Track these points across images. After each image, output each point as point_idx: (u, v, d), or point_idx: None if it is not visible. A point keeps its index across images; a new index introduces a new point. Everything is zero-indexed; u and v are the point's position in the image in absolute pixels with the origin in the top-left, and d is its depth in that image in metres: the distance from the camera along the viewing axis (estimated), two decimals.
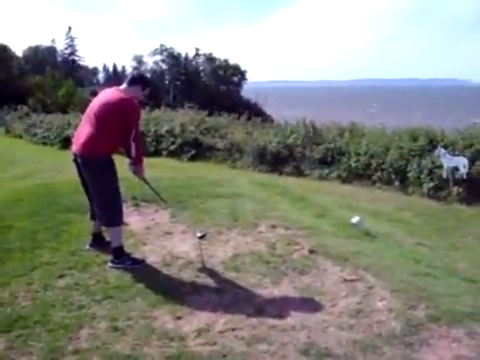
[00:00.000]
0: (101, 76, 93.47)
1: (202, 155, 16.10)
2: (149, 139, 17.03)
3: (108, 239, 5.12)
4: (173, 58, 59.13)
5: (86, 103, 5.30)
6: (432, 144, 11.71)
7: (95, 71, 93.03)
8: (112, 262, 4.84)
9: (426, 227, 8.19)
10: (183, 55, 60.05)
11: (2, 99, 29.98)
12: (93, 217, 5.19)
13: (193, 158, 16.02)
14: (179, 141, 16.70)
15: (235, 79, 59.35)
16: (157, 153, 16.55)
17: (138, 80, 5.00)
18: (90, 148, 4.70)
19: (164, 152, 16.71)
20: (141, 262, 4.95)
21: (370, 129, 14.49)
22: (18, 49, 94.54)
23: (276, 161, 14.17)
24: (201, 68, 60.36)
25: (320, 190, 10.61)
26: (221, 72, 58.31)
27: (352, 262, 4.97)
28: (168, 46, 59.83)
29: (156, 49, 59.62)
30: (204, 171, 12.89)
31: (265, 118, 28.23)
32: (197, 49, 61.06)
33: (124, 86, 4.89)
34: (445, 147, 11.15)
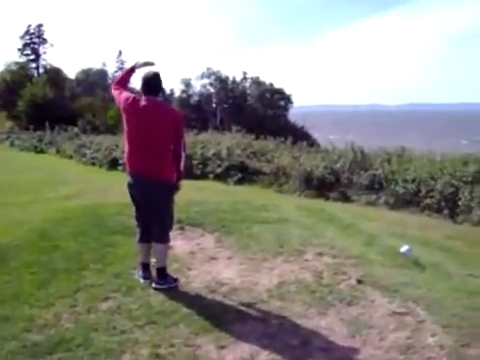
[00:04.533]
0: None
1: (248, 179, 16.03)
2: (196, 162, 17.12)
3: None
4: (220, 81, 59.58)
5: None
6: None
7: None
8: (158, 283, 4.81)
9: (478, 258, 7.88)
10: (230, 78, 60.44)
11: (54, 120, 30.77)
12: (145, 239, 4.97)
13: (239, 182, 15.96)
14: (225, 164, 16.69)
15: (282, 103, 59.32)
16: (204, 176, 16.60)
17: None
18: (166, 173, 4.77)
19: (210, 175, 16.71)
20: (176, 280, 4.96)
21: (418, 154, 14.24)
22: (70, 72, 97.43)
23: (322, 186, 13.99)
24: (248, 92, 60.59)
25: (367, 216, 10.38)
26: (268, 96, 58.40)
27: (401, 294, 4.81)
28: (215, 69, 60.40)
29: (203, 73, 60.22)
30: (250, 195, 12.80)
31: (311, 142, 28.16)
32: (244, 73, 61.43)
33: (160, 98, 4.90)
34: None
